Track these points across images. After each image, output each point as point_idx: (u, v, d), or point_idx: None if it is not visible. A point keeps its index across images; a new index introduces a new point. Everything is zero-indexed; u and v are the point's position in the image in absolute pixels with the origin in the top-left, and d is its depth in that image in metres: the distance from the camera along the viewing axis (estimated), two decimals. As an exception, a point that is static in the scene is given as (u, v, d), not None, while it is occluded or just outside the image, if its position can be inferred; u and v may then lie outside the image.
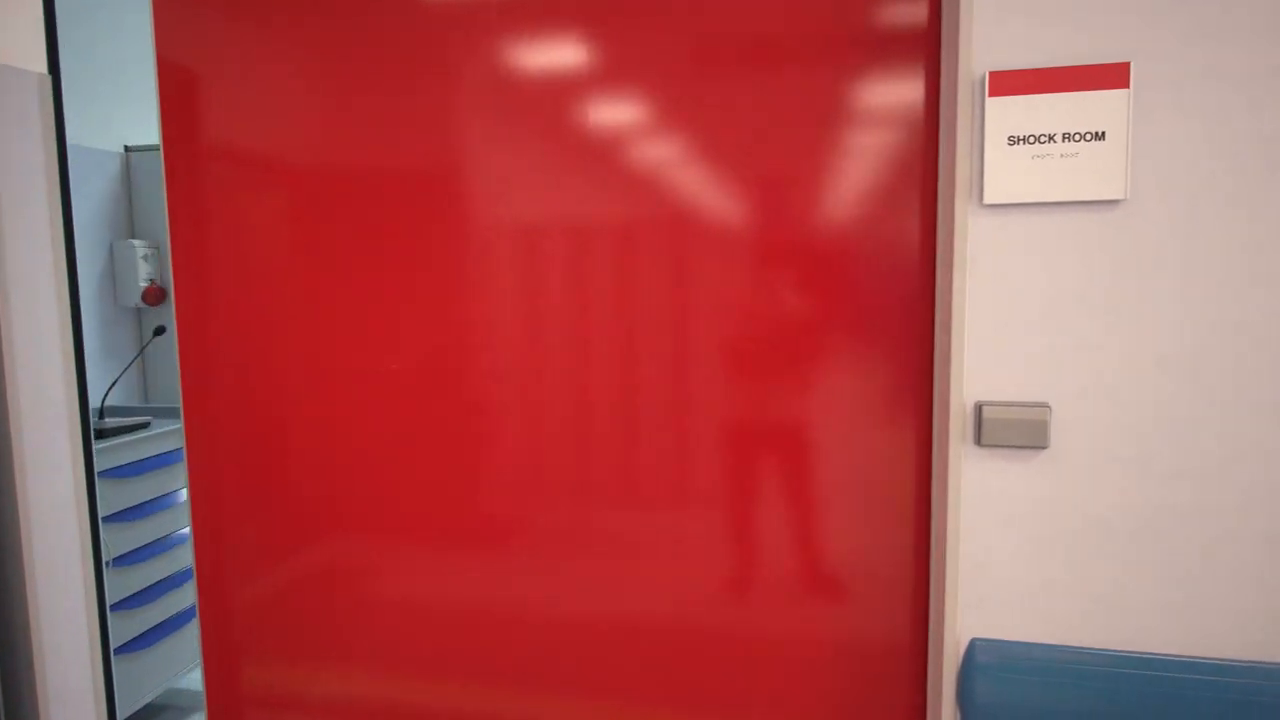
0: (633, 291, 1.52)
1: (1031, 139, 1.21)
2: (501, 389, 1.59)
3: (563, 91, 1.50)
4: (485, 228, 1.56)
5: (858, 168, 1.42)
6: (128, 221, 2.76)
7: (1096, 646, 1.25)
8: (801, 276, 1.46)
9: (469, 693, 1.67)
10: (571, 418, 1.57)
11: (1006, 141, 1.22)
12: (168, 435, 2.44)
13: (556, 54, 1.50)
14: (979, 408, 1.26)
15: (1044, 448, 1.24)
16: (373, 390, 1.63)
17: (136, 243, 2.66)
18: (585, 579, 1.59)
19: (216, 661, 1.75)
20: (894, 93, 1.39)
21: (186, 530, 2.49)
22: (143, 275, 2.66)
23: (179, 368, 1.69)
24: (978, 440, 1.27)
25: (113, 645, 2.20)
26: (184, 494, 2.48)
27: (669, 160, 1.48)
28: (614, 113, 1.49)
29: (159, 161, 2.69)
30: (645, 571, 1.57)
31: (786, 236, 1.45)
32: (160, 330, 2.55)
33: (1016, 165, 1.22)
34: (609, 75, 1.48)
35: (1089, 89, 1.19)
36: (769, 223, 1.46)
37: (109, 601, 2.20)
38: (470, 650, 1.65)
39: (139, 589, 2.30)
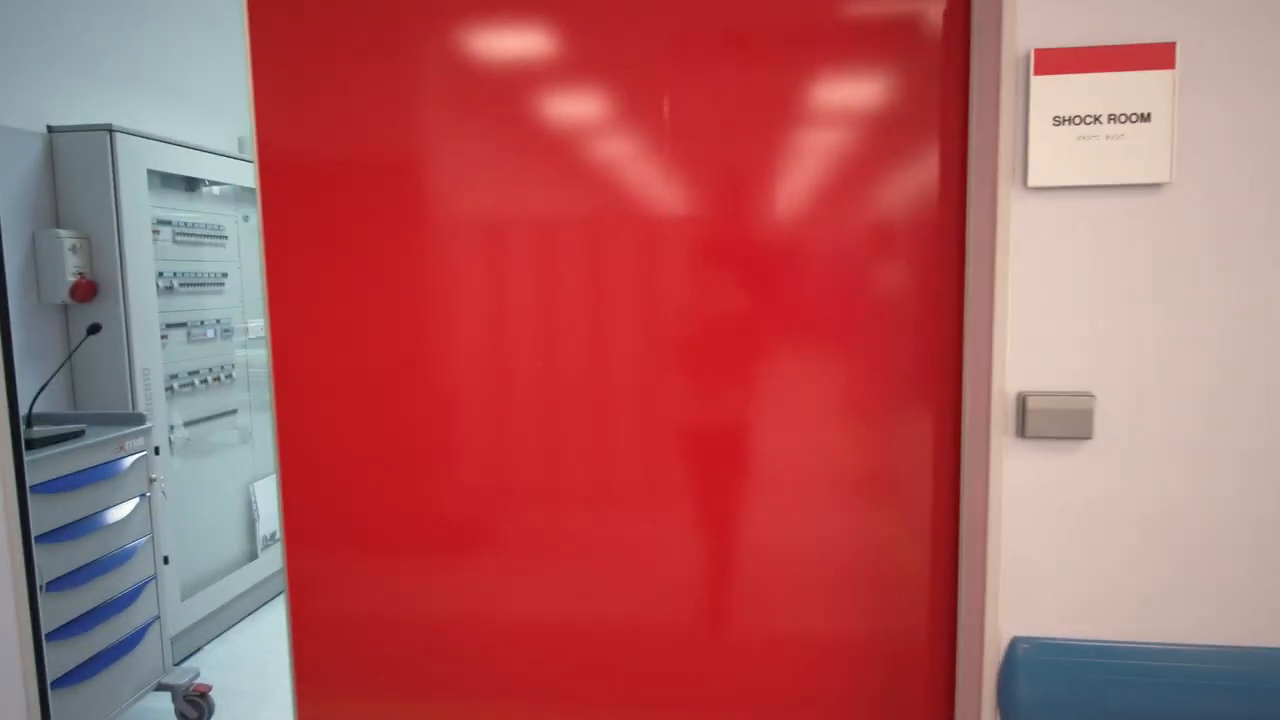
0: (647, 284, 1.43)
1: (1077, 120, 1.17)
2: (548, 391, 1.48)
3: (546, 86, 1.40)
4: (446, 224, 1.46)
5: (871, 152, 1.37)
6: (51, 210, 2.51)
7: (1145, 642, 1.22)
8: (815, 265, 1.40)
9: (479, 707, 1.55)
10: (638, 428, 1.47)
11: (1052, 122, 1.18)
12: (104, 445, 2.22)
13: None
14: (1022, 398, 1.22)
15: (1088, 438, 1.21)
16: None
17: (62, 232, 2.42)
18: (598, 583, 1.50)
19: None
20: (917, 72, 1.34)
21: (130, 546, 2.28)
22: (70, 268, 2.41)
23: (272, 378, 1.52)
24: (1020, 431, 1.23)
25: (49, 677, 1.98)
26: (123, 509, 2.26)
27: (690, 149, 1.39)
28: (641, 111, 1.40)
29: (88, 144, 2.46)
30: (653, 573, 1.49)
31: (795, 224, 1.39)
32: (95, 328, 2.32)
33: (1062, 147, 1.18)
34: (639, 72, 1.39)
35: (1134, 69, 1.16)
36: (777, 211, 1.39)
37: (44, 630, 1.98)
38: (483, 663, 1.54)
39: (77, 615, 2.08)
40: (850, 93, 1.36)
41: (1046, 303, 1.21)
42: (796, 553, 1.46)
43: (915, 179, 1.36)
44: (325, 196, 1.47)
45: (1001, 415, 1.23)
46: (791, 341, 1.42)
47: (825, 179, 1.38)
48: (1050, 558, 1.24)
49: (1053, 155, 1.18)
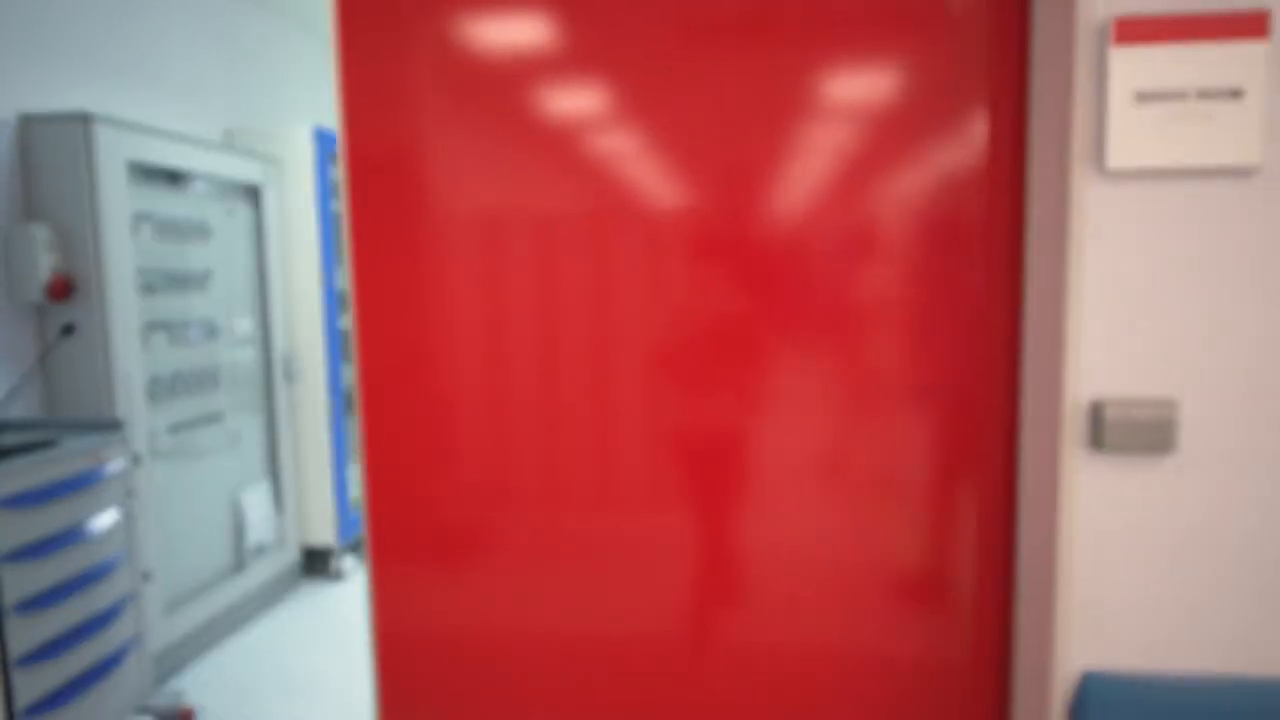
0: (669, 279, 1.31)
1: (1162, 96, 1.05)
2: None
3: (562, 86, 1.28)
4: (448, 220, 1.34)
5: (910, 136, 1.24)
6: (24, 203, 2.36)
7: (1231, 674, 1.10)
8: (844, 263, 1.28)
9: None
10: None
11: (1134, 98, 1.05)
12: (77, 454, 2.07)
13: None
14: (1098, 406, 1.10)
15: (1170, 451, 1.09)
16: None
17: (36, 227, 2.27)
18: (612, 589, 1.38)
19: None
20: (964, 44, 1.22)
21: (107, 561, 2.13)
22: (45, 266, 2.26)
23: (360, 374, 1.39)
24: (1096, 444, 1.10)
25: (18, 705, 1.84)
26: (99, 523, 2.12)
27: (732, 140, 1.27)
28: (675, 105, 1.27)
29: (63, 133, 2.31)
30: (670, 582, 1.37)
31: (821, 217, 1.26)
32: (69, 329, 2.17)
33: (1145, 126, 1.05)
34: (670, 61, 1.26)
35: (1223, 39, 1.04)
36: (804, 204, 1.27)
37: (13, 655, 1.83)
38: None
39: (48, 639, 1.93)
40: (887, 69, 1.24)
41: (1126, 299, 1.09)
42: (826, 564, 1.34)
43: (961, 164, 1.24)
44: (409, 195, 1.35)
45: (1073, 425, 1.11)
46: (820, 343, 1.30)
47: (858, 166, 1.26)
48: (1126, 583, 1.12)
49: (1135, 135, 1.06)
